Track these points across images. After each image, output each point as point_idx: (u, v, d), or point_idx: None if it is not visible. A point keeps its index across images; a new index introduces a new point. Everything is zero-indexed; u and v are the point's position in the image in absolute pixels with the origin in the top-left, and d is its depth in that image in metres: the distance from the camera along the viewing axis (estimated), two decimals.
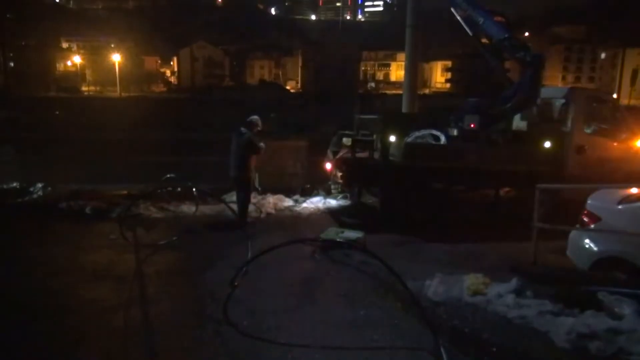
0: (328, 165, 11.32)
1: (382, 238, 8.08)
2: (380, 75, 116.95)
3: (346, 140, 10.84)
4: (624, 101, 55.93)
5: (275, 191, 11.01)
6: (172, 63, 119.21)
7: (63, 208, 9.61)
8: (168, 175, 10.29)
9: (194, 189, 10.11)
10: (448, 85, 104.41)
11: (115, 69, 79.84)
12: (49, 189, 11.06)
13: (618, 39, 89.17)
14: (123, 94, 75.50)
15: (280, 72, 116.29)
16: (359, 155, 10.25)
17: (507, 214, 9.45)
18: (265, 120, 9.69)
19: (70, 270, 6.48)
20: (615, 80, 75.97)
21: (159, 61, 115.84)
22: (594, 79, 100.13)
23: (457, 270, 5.88)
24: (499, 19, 10.57)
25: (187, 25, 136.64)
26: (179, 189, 10.53)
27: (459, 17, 10.69)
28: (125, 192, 10.95)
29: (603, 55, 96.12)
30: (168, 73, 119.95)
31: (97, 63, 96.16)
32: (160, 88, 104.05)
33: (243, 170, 8.92)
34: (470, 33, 10.71)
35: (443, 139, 10.05)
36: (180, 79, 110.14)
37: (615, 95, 40.42)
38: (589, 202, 6.43)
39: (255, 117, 9.23)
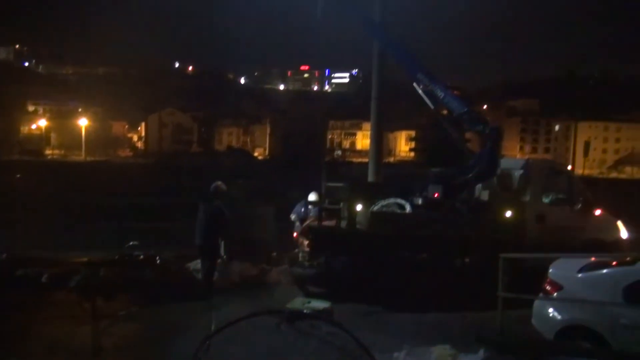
0: (295, 233, 11.29)
1: (350, 307, 7.98)
2: (346, 144, 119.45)
3: (313, 197, 10.92)
4: (579, 171, 58.44)
5: (241, 259, 10.83)
6: (139, 128, 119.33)
7: (19, 276, 9.19)
8: (131, 243, 10.05)
9: (157, 257, 9.88)
10: (412, 154, 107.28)
11: (81, 133, 79.29)
12: (4, 255, 10.60)
13: (569, 112, 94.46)
14: (88, 158, 74.57)
15: (249, 139, 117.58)
16: (326, 223, 10.29)
17: (472, 283, 9.52)
18: (232, 186, 9.69)
19: (23, 343, 6.12)
20: (569, 151, 79.71)
21: (127, 126, 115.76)
22: (549, 150, 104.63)
23: (424, 341, 5.83)
24: (458, 93, 11.14)
25: (157, 92, 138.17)
26: (141, 257, 10.26)
27: (420, 92, 11.17)
28: (85, 259, 10.58)
29: (557, 128, 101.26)
30: (135, 138, 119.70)
31: (64, 127, 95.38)
32: (126, 153, 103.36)
33: (209, 238, 8.80)
34: (431, 106, 11.18)
35: (408, 208, 10.22)
36: (147, 144, 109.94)
37: (570, 166, 42.24)
38: (550, 270, 6.56)
39: (220, 184, 9.22)
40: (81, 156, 76.89)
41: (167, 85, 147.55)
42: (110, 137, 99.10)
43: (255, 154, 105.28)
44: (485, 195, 10.75)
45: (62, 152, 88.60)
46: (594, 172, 79.33)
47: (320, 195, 10.86)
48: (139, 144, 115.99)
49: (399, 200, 10.33)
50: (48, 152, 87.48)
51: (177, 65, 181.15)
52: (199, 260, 9.33)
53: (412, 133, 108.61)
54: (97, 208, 20.78)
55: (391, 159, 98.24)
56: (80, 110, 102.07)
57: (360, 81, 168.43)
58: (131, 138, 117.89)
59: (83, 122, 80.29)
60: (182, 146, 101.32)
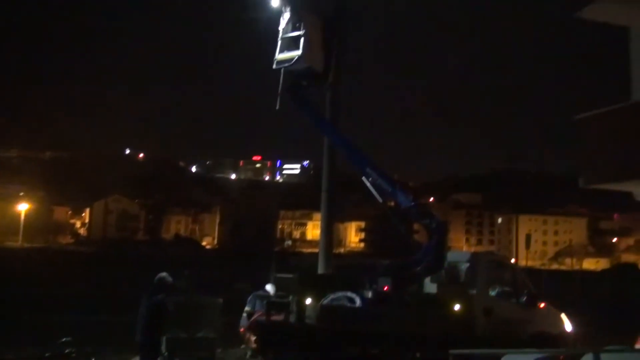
0: (242, 328, 10.84)
1: None
2: (297, 234, 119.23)
3: (269, 289, 10.66)
4: (522, 263, 60.08)
5: (183, 357, 10.22)
6: (83, 214, 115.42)
7: None
8: (64, 339, 9.34)
9: (92, 358, 9.20)
10: (362, 244, 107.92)
11: (20, 217, 75.87)
12: None
13: (510, 205, 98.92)
14: (25, 245, 70.80)
15: (197, 228, 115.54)
16: (275, 318, 9.97)
17: None
18: (177, 278, 9.35)
19: None
20: (512, 243, 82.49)
21: (70, 212, 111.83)
22: (494, 242, 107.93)
23: None
24: (406, 187, 11.54)
25: (104, 178, 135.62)
26: (73, 355, 9.51)
27: (369, 185, 11.48)
28: (12, 357, 9.72)
29: (499, 220, 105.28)
30: (78, 224, 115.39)
31: (1, 211, 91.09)
32: (67, 239, 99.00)
33: (150, 334, 8.31)
34: (379, 199, 11.46)
35: (358, 302, 10.10)
36: (90, 231, 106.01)
37: (513, 259, 43.52)
38: None
39: (164, 275, 8.87)
40: (18, 242, 72.90)
41: (115, 172, 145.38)
42: (51, 223, 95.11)
43: (204, 243, 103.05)
44: (433, 288, 10.82)
45: None
46: (536, 263, 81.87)
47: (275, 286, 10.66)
48: (82, 231, 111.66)
49: (349, 294, 10.22)
50: None
51: (127, 151, 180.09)
52: (138, 358, 8.74)
53: (362, 224, 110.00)
54: (25, 299, 19.45)
55: (341, 250, 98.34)
56: (21, 194, 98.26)
57: (311, 172, 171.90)
58: (74, 224, 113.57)
59: (23, 207, 77.02)
60: (127, 234, 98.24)
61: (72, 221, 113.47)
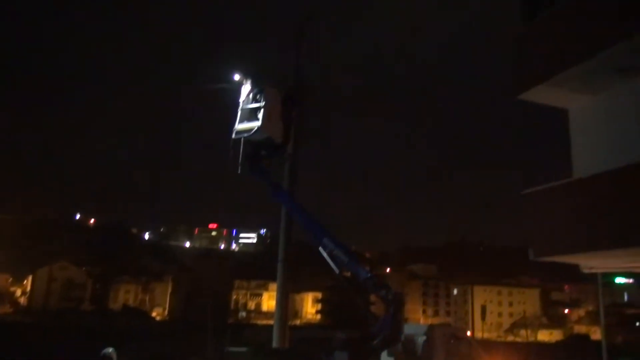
0: None
1: None
2: (252, 305, 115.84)
3: None
4: (478, 334, 60.10)
5: None
6: (25, 282, 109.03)
7: None
8: None
9: None
10: (319, 316, 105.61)
11: None
12: None
13: (465, 276, 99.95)
14: None
15: (147, 298, 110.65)
16: None
17: None
18: (124, 353, 8.88)
19: None
20: (468, 314, 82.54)
21: (10, 279, 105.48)
22: (450, 313, 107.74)
23: None
24: (362, 258, 11.56)
25: (50, 243, 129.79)
26: None
27: (326, 256, 11.45)
28: None
29: (455, 291, 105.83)
30: (19, 293, 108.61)
31: None
32: (5, 309, 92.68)
33: None
34: (336, 270, 11.41)
35: None
36: (32, 300, 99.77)
37: (469, 331, 43.42)
38: None
39: (111, 351, 8.43)
40: None
41: (63, 237, 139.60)
42: None
43: (154, 314, 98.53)
44: None
45: None
46: (492, 335, 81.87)
47: None
48: (22, 300, 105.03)
49: None
50: None
51: (78, 217, 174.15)
52: None
53: (319, 295, 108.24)
54: None
55: (297, 322, 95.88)
56: None
57: (268, 241, 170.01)
58: (14, 292, 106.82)
59: None
60: (71, 303, 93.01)
61: (12, 289, 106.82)
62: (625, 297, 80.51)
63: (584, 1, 10.09)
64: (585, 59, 9.64)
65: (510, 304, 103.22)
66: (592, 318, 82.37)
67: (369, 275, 10.95)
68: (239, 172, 12.37)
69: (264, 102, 12.23)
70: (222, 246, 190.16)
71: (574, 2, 10.27)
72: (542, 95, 11.09)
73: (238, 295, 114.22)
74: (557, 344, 69.77)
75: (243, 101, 12.61)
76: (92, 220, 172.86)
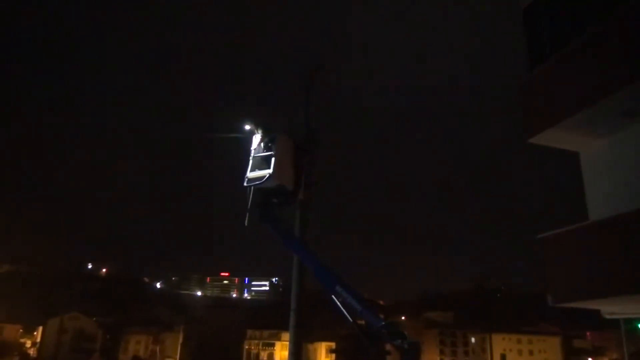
0: None
1: None
2: (264, 355, 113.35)
3: None
4: None
5: None
6: (35, 333, 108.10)
7: None
8: None
9: None
10: None
11: None
12: None
13: (483, 324, 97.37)
14: None
15: (158, 349, 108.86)
16: None
17: None
18: None
19: None
20: None
21: (21, 330, 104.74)
22: None
23: None
24: (376, 306, 11.36)
25: (61, 293, 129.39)
26: None
27: (339, 304, 11.28)
28: None
29: (473, 340, 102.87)
30: (29, 344, 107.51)
31: None
32: None
33: None
34: (349, 320, 11.20)
35: None
36: (41, 351, 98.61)
37: None
38: None
39: None
40: None
41: (75, 287, 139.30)
42: None
43: None
44: None
45: None
46: None
47: None
48: (32, 351, 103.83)
49: None
50: None
51: (90, 266, 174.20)
52: None
53: (332, 344, 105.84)
54: None
55: None
56: None
57: (281, 289, 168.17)
58: (24, 344, 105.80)
59: None
60: (82, 355, 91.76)
61: (22, 340, 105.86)
62: None
63: (588, 46, 10.25)
64: (589, 104, 9.75)
65: (531, 353, 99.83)
66: None
67: (384, 323, 10.73)
68: (247, 222, 12.48)
69: (275, 150, 12.45)
70: (234, 295, 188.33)
71: (578, 46, 10.44)
72: (551, 139, 11.14)
73: (250, 345, 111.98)
74: None
75: (255, 149, 12.83)
76: (103, 270, 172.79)
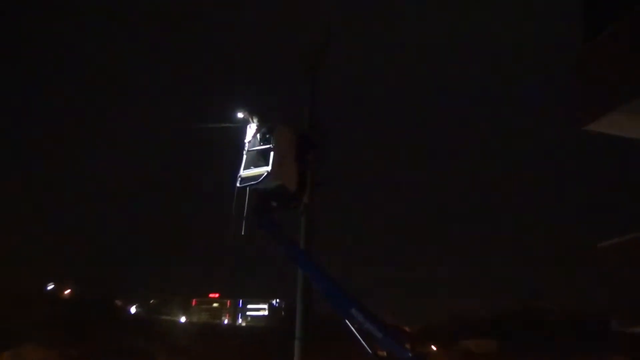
0: None
1: None
2: None
3: None
4: None
5: None
6: None
7: None
8: None
9: None
10: None
11: None
12: None
13: (533, 353, 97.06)
14: None
15: None
16: None
17: None
18: None
19: None
20: None
21: None
22: None
23: None
24: (401, 332, 11.36)
25: (16, 320, 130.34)
26: None
27: (354, 331, 11.33)
28: None
29: None
30: None
31: None
32: None
33: None
34: (368, 350, 11.25)
35: None
36: None
37: None
38: None
39: None
40: None
41: (33, 313, 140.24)
42: None
43: None
44: None
45: None
46: None
47: None
48: None
49: None
50: None
51: (50, 286, 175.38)
52: None
53: None
54: None
55: None
56: None
57: (283, 314, 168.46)
58: None
59: None
60: None
61: None
62: None
63: None
64: None
65: None
66: None
67: (410, 355, 10.77)
68: (243, 232, 12.39)
69: (274, 143, 12.40)
70: (226, 321, 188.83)
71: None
72: (611, 124, 11.09)
73: None
74: None
75: (249, 143, 12.74)
76: (66, 291, 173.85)
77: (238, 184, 12.42)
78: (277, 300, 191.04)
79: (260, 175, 12.15)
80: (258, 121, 12.86)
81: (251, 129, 12.85)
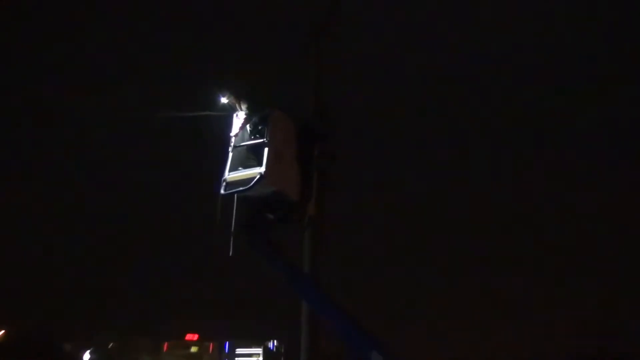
0: None
1: None
2: None
3: None
4: None
5: None
6: None
7: None
8: None
9: None
10: None
11: None
12: None
13: None
14: None
15: None
16: None
17: None
18: None
19: None
20: None
21: None
22: None
23: None
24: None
25: None
26: None
27: None
28: None
29: None
30: None
31: None
32: None
33: None
34: None
35: None
36: None
37: None
38: None
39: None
40: None
41: None
42: None
43: None
44: None
45: None
46: None
47: None
48: None
49: None
50: None
51: None
52: None
53: None
54: None
55: None
56: None
57: (282, 358, 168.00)
58: None
59: None
60: None
61: None
62: None
63: None
64: None
65: None
66: None
67: None
68: (231, 252, 11.94)
69: (268, 137, 11.87)
70: None
71: None
72: None
73: None
74: None
75: (236, 136, 12.29)
76: (0, 332, 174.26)
77: (222, 191, 11.92)
78: (275, 341, 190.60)
79: (251, 179, 11.60)
80: (247, 108, 12.27)
81: (238, 118, 12.38)
